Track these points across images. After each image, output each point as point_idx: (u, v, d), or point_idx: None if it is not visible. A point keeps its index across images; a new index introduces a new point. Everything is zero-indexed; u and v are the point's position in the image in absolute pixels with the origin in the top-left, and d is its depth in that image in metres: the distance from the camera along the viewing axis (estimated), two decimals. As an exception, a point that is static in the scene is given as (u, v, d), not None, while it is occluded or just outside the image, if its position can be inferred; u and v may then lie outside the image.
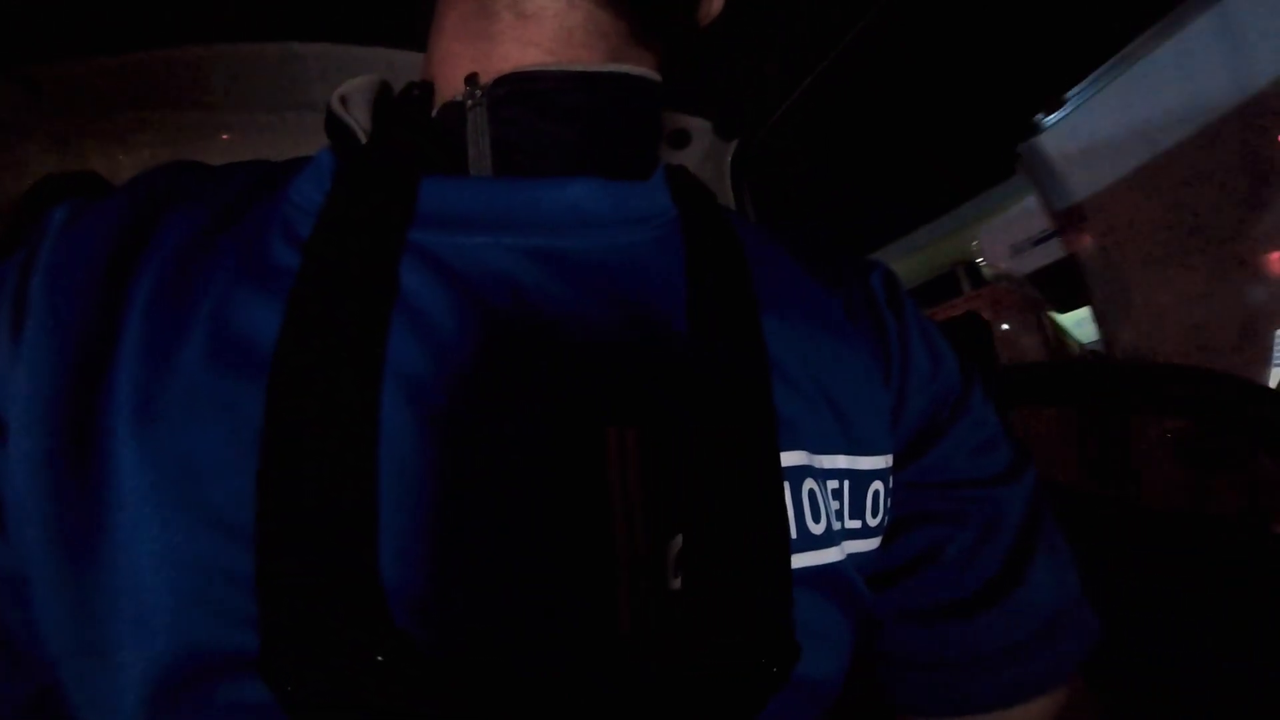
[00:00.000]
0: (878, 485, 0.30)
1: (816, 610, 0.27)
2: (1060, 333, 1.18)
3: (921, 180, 0.88)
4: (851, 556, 0.29)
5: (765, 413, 0.26)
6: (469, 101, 0.28)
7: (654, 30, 0.31)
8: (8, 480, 0.22)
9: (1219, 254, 0.62)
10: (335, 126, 0.30)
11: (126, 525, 0.21)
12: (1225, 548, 0.49)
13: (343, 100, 0.30)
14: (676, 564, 0.23)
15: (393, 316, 0.24)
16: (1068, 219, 0.76)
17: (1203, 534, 0.52)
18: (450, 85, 0.30)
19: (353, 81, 0.31)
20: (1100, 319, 0.78)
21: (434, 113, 0.30)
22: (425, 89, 0.31)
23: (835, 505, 0.28)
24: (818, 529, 0.27)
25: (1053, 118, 0.73)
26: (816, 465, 0.28)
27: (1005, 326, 1.21)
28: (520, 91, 0.28)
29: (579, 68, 0.29)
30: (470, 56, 0.29)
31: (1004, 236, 1.28)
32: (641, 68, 0.31)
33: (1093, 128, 0.71)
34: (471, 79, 0.29)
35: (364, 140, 0.29)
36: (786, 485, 0.26)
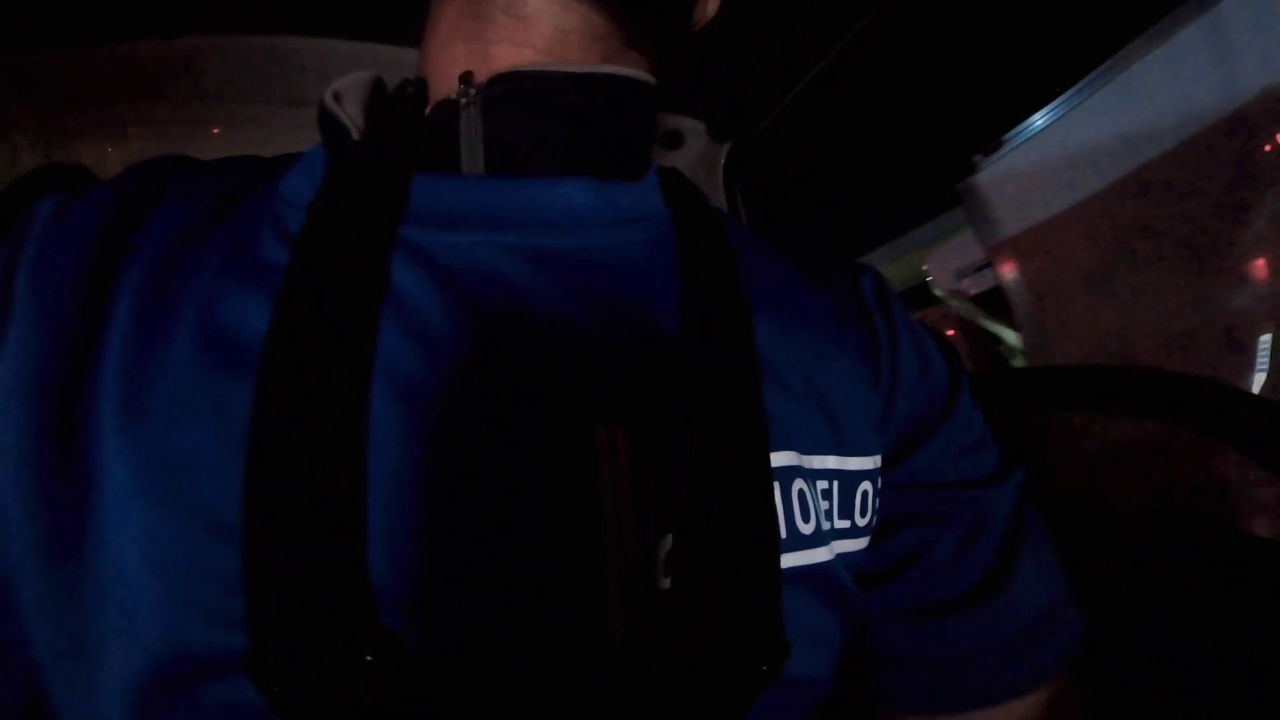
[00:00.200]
0: (866, 486, 0.30)
1: (806, 609, 0.27)
2: (992, 338, 1.24)
3: (883, 199, 0.93)
4: (841, 556, 0.29)
5: (756, 413, 0.26)
6: (463, 100, 0.28)
7: (649, 34, 0.31)
8: None
9: (1203, 262, 0.63)
10: (328, 122, 0.30)
11: (112, 523, 0.21)
12: (1197, 547, 0.50)
13: (336, 96, 0.30)
14: (667, 563, 0.23)
15: (383, 313, 0.24)
16: (997, 253, 0.83)
17: (1174, 533, 0.53)
18: (444, 83, 0.30)
19: (347, 77, 0.31)
20: (1025, 343, 0.85)
21: (428, 110, 0.30)
22: (419, 86, 0.31)
23: (825, 505, 0.28)
24: (807, 529, 0.27)
25: (989, 160, 0.79)
26: (806, 465, 0.28)
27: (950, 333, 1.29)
28: (514, 91, 0.28)
29: (573, 68, 0.29)
30: (465, 56, 0.29)
31: (952, 261, 1.35)
32: (635, 69, 0.31)
33: (1034, 162, 0.75)
34: (466, 78, 0.29)
35: (357, 137, 0.29)
36: (776, 485, 0.26)
